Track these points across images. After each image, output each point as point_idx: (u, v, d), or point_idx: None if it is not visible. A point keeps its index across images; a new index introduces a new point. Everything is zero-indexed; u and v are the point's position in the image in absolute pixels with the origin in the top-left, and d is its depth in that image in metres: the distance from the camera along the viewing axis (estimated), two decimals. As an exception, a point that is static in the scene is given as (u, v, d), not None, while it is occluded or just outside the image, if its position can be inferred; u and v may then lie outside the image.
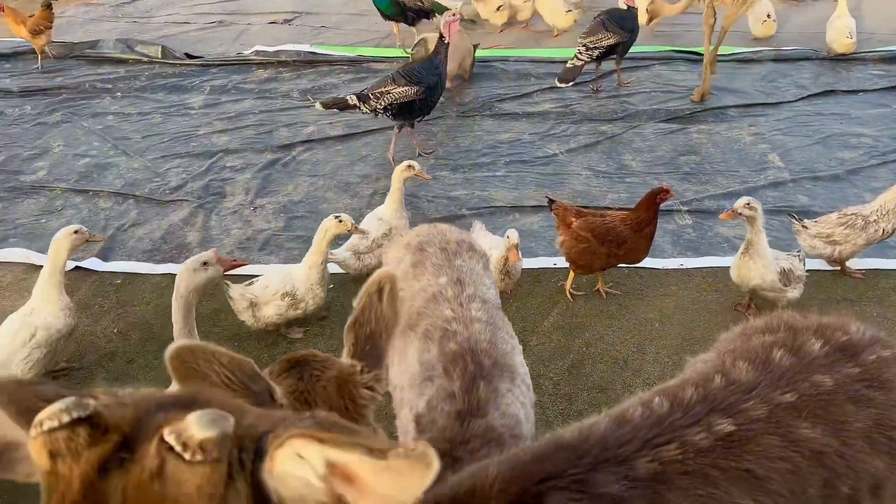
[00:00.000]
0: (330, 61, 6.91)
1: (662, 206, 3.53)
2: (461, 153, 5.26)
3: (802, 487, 1.28)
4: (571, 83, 5.95)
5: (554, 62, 6.59)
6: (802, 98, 5.92)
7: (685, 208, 4.48)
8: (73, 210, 4.62)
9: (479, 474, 1.21)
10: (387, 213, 3.87)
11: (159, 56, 6.95)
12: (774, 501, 1.25)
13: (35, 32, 6.61)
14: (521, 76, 6.48)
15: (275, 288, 3.33)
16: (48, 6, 6.65)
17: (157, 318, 3.63)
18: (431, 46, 5.23)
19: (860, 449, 1.34)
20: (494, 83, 6.38)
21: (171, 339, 3.09)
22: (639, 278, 3.87)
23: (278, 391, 1.15)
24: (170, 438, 0.73)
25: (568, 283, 3.75)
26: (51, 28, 6.73)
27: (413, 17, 6.95)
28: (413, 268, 2.03)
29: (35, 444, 0.74)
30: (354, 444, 0.72)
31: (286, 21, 8.33)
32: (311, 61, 6.90)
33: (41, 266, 3.65)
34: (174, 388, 1.00)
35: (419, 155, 5.15)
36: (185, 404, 0.78)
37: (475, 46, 6.51)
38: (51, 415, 0.73)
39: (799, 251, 3.62)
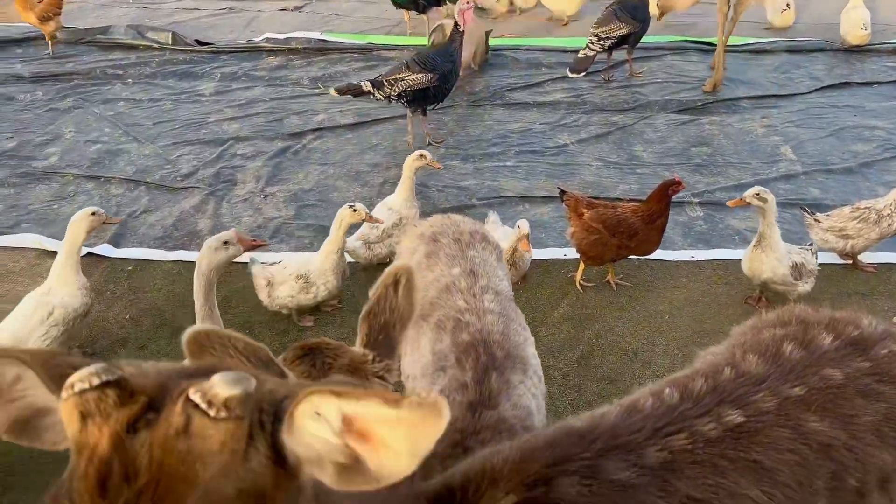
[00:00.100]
0: (340, 49, 6.90)
1: (673, 197, 3.52)
2: (471, 143, 5.25)
3: (810, 479, 1.28)
4: (583, 74, 5.92)
5: (565, 51, 6.56)
6: (816, 90, 5.88)
7: (696, 200, 4.47)
8: (84, 196, 4.64)
9: (490, 458, 1.22)
10: (397, 202, 3.87)
11: (170, 42, 6.96)
12: (782, 493, 1.26)
13: (43, 19, 6.61)
14: (532, 65, 6.45)
15: (291, 269, 3.40)
16: (57, -8, 6.65)
17: (169, 305, 3.66)
18: (448, 33, 5.22)
19: (869, 442, 1.35)
20: (505, 72, 6.36)
21: (183, 326, 3.11)
22: (649, 270, 3.87)
23: (292, 377, 1.17)
24: (195, 397, 0.76)
25: (578, 275, 3.75)
26: (59, 14, 6.73)
27: (424, 4, 6.92)
28: (426, 258, 2.03)
29: (66, 406, 0.77)
30: (370, 395, 0.75)
31: (296, 8, 8.32)
32: (321, 49, 6.89)
33: (54, 252, 3.69)
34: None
35: (429, 144, 5.14)
36: (206, 372, 0.81)
37: (488, 33, 6.48)
38: (82, 377, 0.77)
39: (811, 245, 3.61)
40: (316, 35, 7.20)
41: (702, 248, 4.05)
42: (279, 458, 0.81)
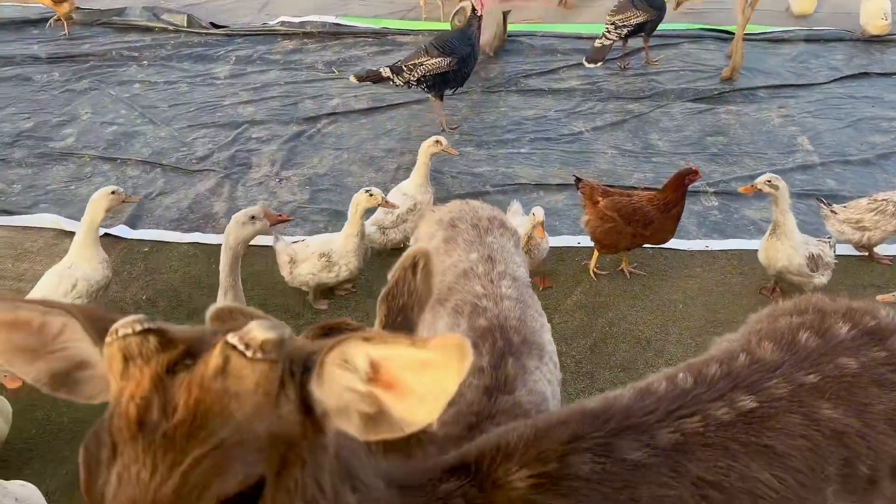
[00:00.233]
0: (355, 33, 6.88)
1: (689, 187, 3.51)
2: (486, 129, 5.24)
3: (822, 466, 1.30)
4: (600, 63, 5.89)
5: (581, 38, 6.52)
6: (834, 80, 5.82)
7: (711, 190, 4.45)
8: (101, 178, 4.67)
9: (504, 434, 1.24)
10: (412, 188, 3.88)
11: (185, 25, 6.95)
12: (793, 477, 1.27)
13: (57, 1, 6.63)
14: (547, 52, 6.42)
15: (314, 248, 3.45)
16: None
17: (185, 286, 3.69)
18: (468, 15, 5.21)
19: (882, 431, 1.35)
20: (520, 59, 6.33)
21: (199, 307, 3.15)
22: (663, 259, 3.86)
23: None
24: (233, 339, 0.82)
25: (592, 263, 3.75)
26: None
27: (440, -11, 6.89)
28: (444, 243, 2.04)
29: (110, 349, 0.84)
30: (398, 338, 0.80)
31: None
32: (336, 33, 6.88)
33: (71, 232, 3.73)
34: None
35: (443, 130, 5.14)
36: (239, 329, 0.86)
37: (506, 14, 6.43)
38: (125, 324, 0.84)
39: (830, 238, 3.59)
40: (331, 19, 7.18)
41: (716, 237, 4.04)
42: (307, 409, 0.86)
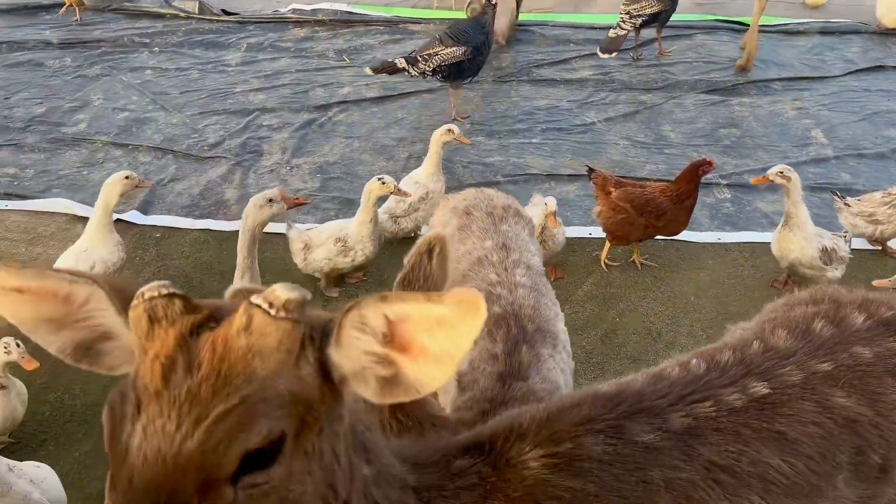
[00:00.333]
0: (366, 21, 6.86)
1: (701, 179, 3.49)
2: (497, 119, 5.22)
3: (833, 453, 1.30)
4: (615, 54, 5.84)
5: (594, 28, 6.48)
6: (850, 73, 5.77)
7: (724, 182, 4.42)
8: (113, 163, 4.69)
9: (518, 416, 1.25)
10: (423, 176, 3.87)
11: (196, 11, 6.94)
12: (804, 464, 1.28)
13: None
14: (559, 42, 6.37)
15: (329, 233, 3.45)
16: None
17: (197, 272, 3.71)
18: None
19: (895, 421, 1.35)
20: (532, 48, 6.29)
21: (210, 293, 3.16)
22: (675, 251, 3.85)
23: None
24: (257, 300, 0.85)
25: (603, 254, 3.74)
26: None
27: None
28: (459, 231, 2.04)
29: (136, 312, 0.86)
30: (413, 296, 0.82)
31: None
32: (347, 21, 6.85)
33: (83, 217, 3.75)
34: None
35: (454, 120, 5.12)
36: None
37: (518, 2, 6.39)
38: (151, 287, 0.87)
39: (846, 232, 3.56)
40: (342, 7, 7.15)
41: (729, 230, 4.02)
42: (325, 375, 0.88)
